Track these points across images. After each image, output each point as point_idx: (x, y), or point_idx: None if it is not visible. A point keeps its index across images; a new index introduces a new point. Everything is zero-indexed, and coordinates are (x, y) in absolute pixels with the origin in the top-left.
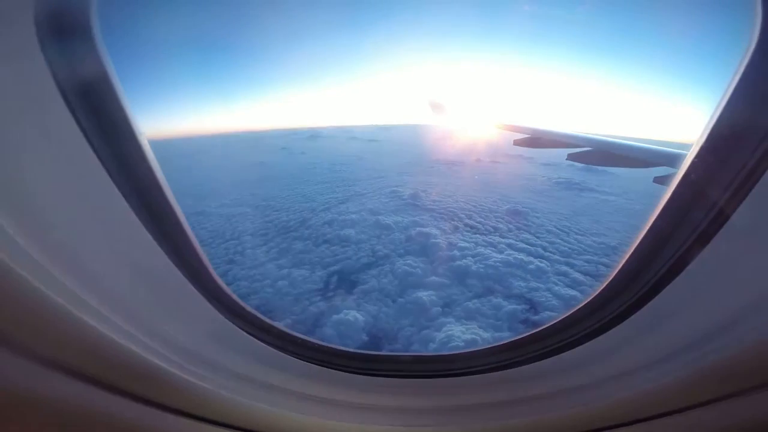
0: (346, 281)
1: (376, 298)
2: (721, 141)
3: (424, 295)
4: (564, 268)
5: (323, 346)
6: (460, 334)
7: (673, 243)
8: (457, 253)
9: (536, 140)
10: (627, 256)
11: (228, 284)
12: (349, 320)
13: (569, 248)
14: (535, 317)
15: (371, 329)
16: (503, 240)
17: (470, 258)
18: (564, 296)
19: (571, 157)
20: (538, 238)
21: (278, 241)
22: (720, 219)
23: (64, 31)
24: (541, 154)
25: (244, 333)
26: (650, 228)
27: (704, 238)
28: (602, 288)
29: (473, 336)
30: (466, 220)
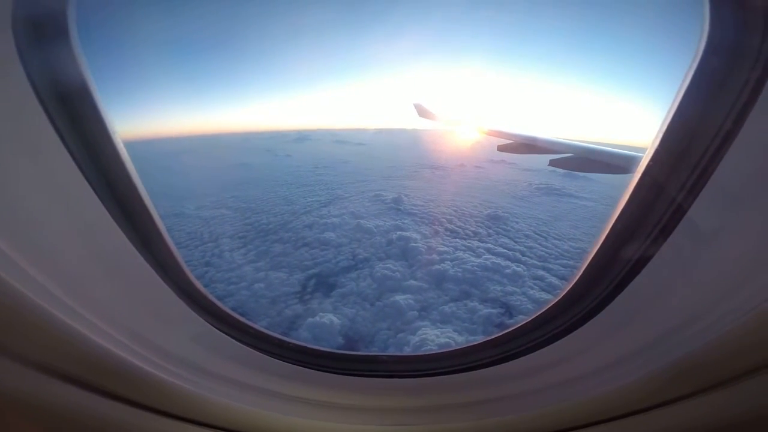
0: (324, 284)
1: (354, 301)
2: (674, 141)
3: (401, 298)
4: (540, 272)
5: (301, 346)
6: (435, 338)
7: (633, 242)
8: (436, 257)
9: (519, 146)
10: (590, 257)
11: (204, 286)
12: (325, 323)
13: (546, 253)
14: (510, 321)
15: (347, 332)
16: (482, 244)
17: (449, 262)
18: (539, 300)
19: (553, 162)
20: (516, 242)
21: (257, 243)
22: (676, 216)
23: (41, 35)
24: (524, 159)
25: (223, 334)
26: (612, 228)
27: (663, 235)
28: (569, 289)
29: (447, 340)
30: (447, 225)
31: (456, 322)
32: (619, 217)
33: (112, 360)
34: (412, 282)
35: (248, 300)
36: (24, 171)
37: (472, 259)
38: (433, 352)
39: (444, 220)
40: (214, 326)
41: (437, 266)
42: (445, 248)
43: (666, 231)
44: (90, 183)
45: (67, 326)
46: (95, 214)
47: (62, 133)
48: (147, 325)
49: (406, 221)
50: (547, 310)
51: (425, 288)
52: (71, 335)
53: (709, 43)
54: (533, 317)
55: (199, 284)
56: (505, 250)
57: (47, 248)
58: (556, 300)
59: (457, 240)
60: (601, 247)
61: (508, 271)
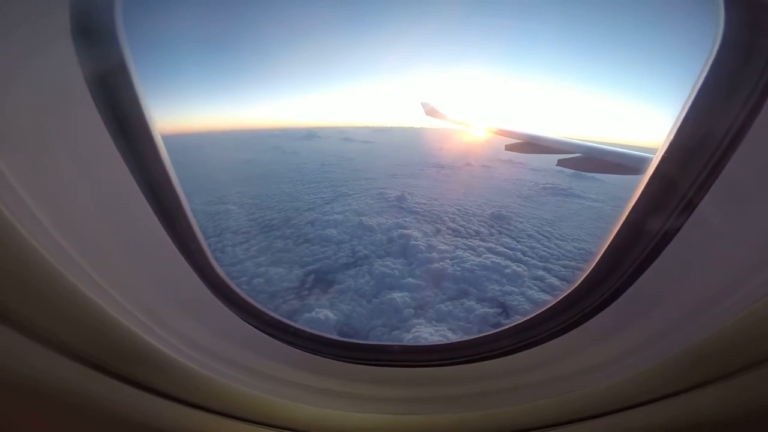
0: (322, 281)
1: (351, 298)
2: (686, 141)
3: (398, 296)
4: (541, 272)
5: (317, 335)
6: (428, 336)
7: (642, 239)
8: (435, 255)
9: (527, 145)
10: (600, 253)
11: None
12: (320, 319)
13: (548, 253)
14: (506, 321)
15: (342, 328)
16: (483, 243)
17: (448, 260)
18: (537, 300)
19: (561, 162)
20: (518, 242)
21: (259, 239)
22: (683, 214)
23: (93, 26)
24: (532, 159)
25: (241, 321)
26: (621, 227)
27: (670, 232)
28: (577, 284)
29: (440, 338)
30: (449, 223)
31: (451, 321)
32: (629, 214)
33: (138, 345)
34: (411, 280)
35: (247, 295)
36: (71, 155)
37: (472, 258)
38: (444, 342)
39: (446, 218)
40: (233, 312)
41: (436, 264)
42: (446, 247)
43: (673, 228)
44: (131, 171)
45: (102, 310)
46: (135, 203)
47: (108, 122)
48: (172, 312)
49: (408, 219)
50: (556, 303)
51: (423, 286)
52: (100, 317)
53: (723, 43)
54: (542, 310)
55: (223, 274)
56: (506, 250)
57: (87, 231)
58: (565, 294)
59: (459, 239)
60: (611, 243)
61: (508, 270)
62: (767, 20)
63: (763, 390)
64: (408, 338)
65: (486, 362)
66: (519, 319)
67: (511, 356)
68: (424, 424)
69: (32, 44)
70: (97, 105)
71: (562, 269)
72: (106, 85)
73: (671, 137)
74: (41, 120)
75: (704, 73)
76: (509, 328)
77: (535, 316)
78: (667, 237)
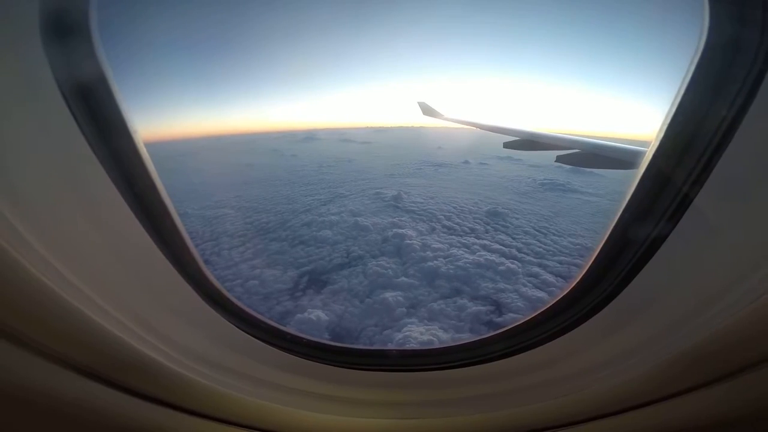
0: (316, 281)
1: (344, 298)
2: (677, 136)
3: (391, 295)
4: (536, 269)
5: (315, 341)
6: (419, 335)
7: (637, 238)
8: (429, 254)
9: (526, 142)
10: (596, 251)
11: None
12: (312, 319)
13: (544, 249)
14: (499, 319)
15: (334, 328)
16: (478, 241)
17: (442, 259)
18: (531, 297)
19: (560, 159)
20: (514, 239)
21: (255, 242)
22: (678, 212)
23: (65, 29)
24: (531, 156)
25: (235, 328)
26: (616, 224)
27: (666, 230)
28: (574, 284)
29: (431, 337)
30: (445, 222)
31: (443, 320)
32: (623, 213)
33: (129, 353)
34: (404, 279)
35: (241, 297)
36: (50, 163)
37: (466, 255)
38: (441, 345)
39: (442, 216)
40: (227, 320)
41: (430, 263)
42: (440, 245)
43: (668, 226)
44: (111, 177)
45: (89, 319)
46: (116, 207)
47: (84, 127)
48: (162, 319)
49: (403, 218)
50: (554, 304)
51: (416, 285)
52: (91, 327)
53: (709, 38)
54: (540, 311)
55: (215, 279)
56: (501, 247)
57: (69, 240)
58: (562, 295)
59: (453, 237)
60: (606, 242)
61: (502, 268)
62: (752, 11)
63: (763, 390)
64: (399, 337)
65: (484, 365)
66: (517, 321)
67: (509, 359)
68: (422, 428)
69: None
70: (71, 107)
71: (557, 265)
72: (79, 87)
73: (662, 132)
74: (10, 128)
75: (693, 67)
76: (507, 330)
77: (533, 317)
78: (662, 236)
